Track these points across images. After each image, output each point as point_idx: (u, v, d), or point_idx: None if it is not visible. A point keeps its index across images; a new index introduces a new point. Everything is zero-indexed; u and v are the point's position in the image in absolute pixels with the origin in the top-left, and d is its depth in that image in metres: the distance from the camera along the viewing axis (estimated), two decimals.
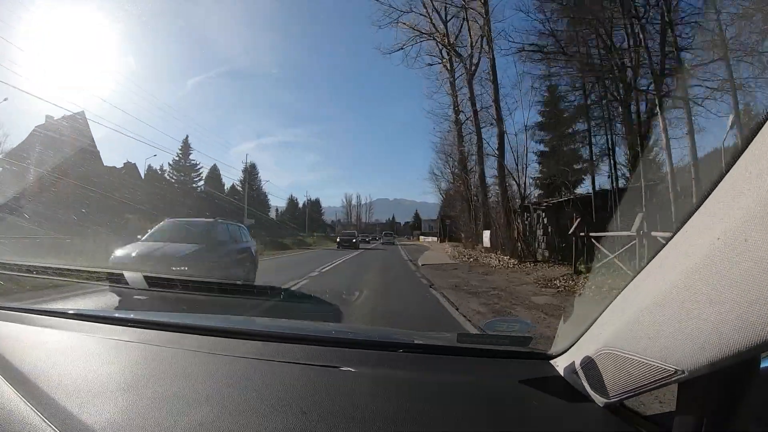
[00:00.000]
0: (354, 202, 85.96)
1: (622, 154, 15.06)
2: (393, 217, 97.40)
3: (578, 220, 10.05)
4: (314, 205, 68.89)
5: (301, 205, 65.94)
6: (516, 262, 13.51)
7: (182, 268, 5.19)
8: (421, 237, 60.75)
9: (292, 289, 7.08)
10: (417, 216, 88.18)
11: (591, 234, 9.71)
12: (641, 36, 10.45)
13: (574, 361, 0.86)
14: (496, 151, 17.03)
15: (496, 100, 16.76)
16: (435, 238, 50.43)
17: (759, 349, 0.44)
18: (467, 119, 19.97)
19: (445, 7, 18.72)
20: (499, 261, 14.37)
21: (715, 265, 0.47)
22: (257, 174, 53.62)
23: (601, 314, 0.80)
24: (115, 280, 4.07)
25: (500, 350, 1.09)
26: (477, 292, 7.57)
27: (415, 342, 1.30)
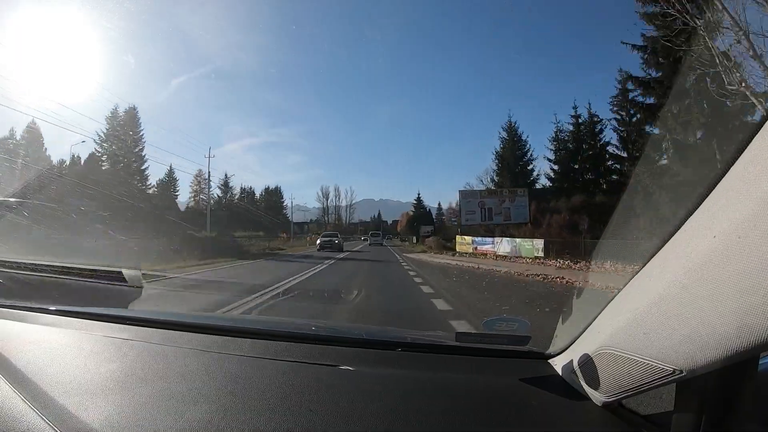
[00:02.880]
0: (332, 196, 63.04)
1: None
2: (379, 214, 75.62)
3: None
4: (273, 194, 50.31)
5: (258, 195, 47.70)
6: None
7: None
8: (464, 239, 22.11)
9: None
10: (419, 203, 53.03)
11: None
12: None
13: (572, 360, 0.86)
14: None
15: None
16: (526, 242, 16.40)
17: (758, 348, 0.44)
18: None
19: None
20: None
21: (713, 264, 0.47)
22: (140, 131, 31.95)
23: (599, 314, 0.80)
24: None
25: (499, 349, 1.09)
26: None
27: (414, 341, 1.30)
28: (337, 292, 6.10)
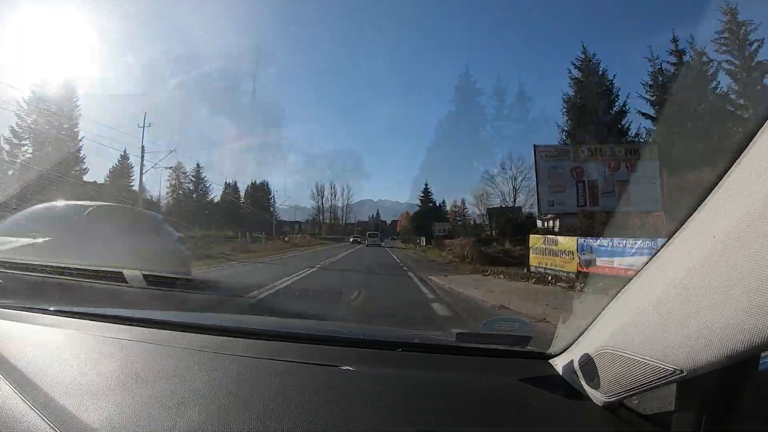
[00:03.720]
0: (328, 194, 56.02)
1: None
2: (378, 213, 69.54)
3: None
4: (260, 190, 45.61)
5: (243, 191, 43.37)
6: None
7: None
8: (556, 242, 8.99)
9: None
10: (427, 196, 44.28)
11: None
12: None
13: (573, 361, 0.86)
14: None
15: None
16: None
17: (758, 348, 0.44)
18: None
19: None
20: None
21: (714, 264, 0.47)
22: (76, 101, 25.22)
23: (600, 314, 0.81)
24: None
25: (499, 349, 1.09)
26: None
27: (415, 341, 1.30)
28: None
